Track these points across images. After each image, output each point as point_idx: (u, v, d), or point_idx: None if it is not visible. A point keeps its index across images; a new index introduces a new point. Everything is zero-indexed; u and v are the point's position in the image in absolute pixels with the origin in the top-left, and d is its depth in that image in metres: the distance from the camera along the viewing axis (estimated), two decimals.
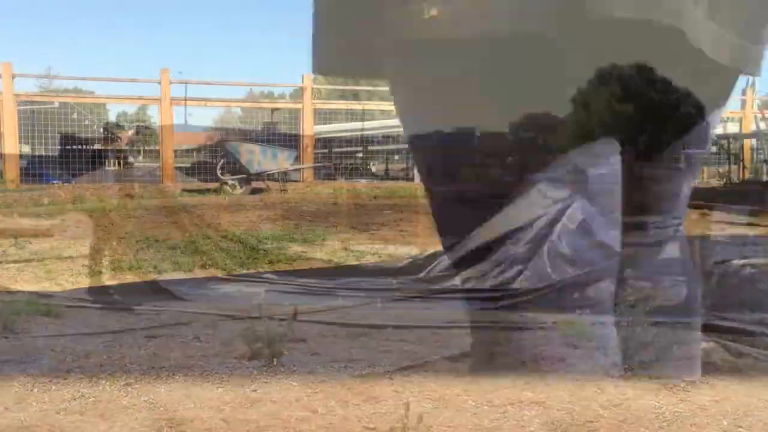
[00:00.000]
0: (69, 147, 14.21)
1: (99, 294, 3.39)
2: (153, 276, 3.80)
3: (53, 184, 12.15)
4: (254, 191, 10.24)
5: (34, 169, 13.44)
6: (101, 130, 17.13)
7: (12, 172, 10.68)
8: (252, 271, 4.05)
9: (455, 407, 1.01)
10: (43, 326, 2.62)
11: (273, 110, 15.34)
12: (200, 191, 10.29)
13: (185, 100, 11.78)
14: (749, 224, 6.24)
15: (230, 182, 10.13)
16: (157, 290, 3.48)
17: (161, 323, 2.66)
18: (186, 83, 12.08)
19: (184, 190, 10.46)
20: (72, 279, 3.74)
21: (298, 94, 12.81)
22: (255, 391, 1.73)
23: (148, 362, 2.09)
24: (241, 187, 10.17)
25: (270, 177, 10.61)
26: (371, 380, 1.75)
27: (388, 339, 2.33)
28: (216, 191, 10.00)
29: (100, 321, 2.77)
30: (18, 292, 3.44)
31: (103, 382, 1.89)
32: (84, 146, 16.43)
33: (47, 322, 2.69)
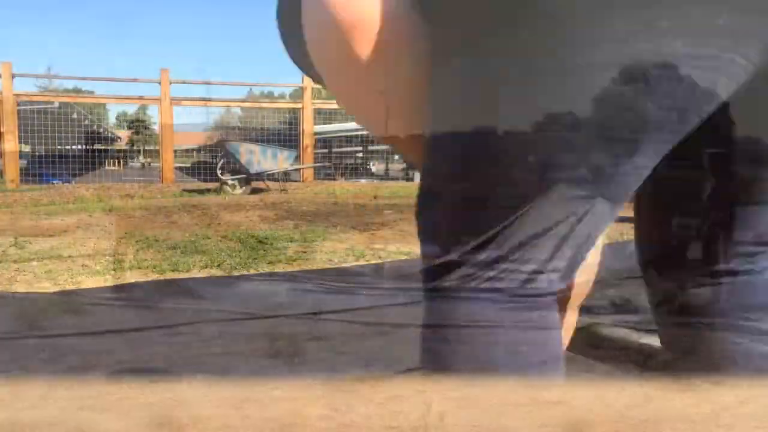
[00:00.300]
0: (71, 146, 14.18)
1: (118, 292, 3.38)
2: (155, 275, 3.79)
3: (53, 183, 12.16)
4: (254, 191, 10.23)
5: (34, 169, 13.46)
6: (107, 129, 17.09)
7: (12, 172, 10.68)
8: (253, 270, 4.04)
9: (478, 406, 1.00)
10: (66, 325, 2.62)
11: (293, 109, 15.39)
12: (200, 191, 10.29)
13: (210, 100, 11.81)
14: None
15: (230, 182, 10.12)
16: (175, 288, 3.47)
17: (182, 321, 2.64)
18: (208, 84, 12.12)
19: (184, 190, 10.46)
20: (71, 279, 3.73)
21: (298, 94, 12.81)
22: (276, 388, 1.72)
23: (169, 360, 2.08)
24: (241, 187, 10.16)
25: (270, 177, 10.60)
26: (393, 379, 1.73)
27: (411, 338, 2.31)
28: (216, 191, 10.00)
29: (121, 318, 2.76)
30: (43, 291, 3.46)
31: (125, 379, 1.89)
32: (85, 146, 16.40)
33: (71, 320, 2.70)
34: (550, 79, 0.76)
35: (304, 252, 4.62)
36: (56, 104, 12.95)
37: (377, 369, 1.93)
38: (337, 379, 1.76)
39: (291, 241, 4.98)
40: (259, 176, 10.38)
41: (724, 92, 0.76)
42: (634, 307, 2.81)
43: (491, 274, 0.89)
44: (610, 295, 3.07)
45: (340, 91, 0.98)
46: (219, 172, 10.41)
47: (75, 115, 14.56)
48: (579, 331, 2.22)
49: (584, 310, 2.82)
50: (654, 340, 2.12)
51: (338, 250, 4.74)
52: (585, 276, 1.23)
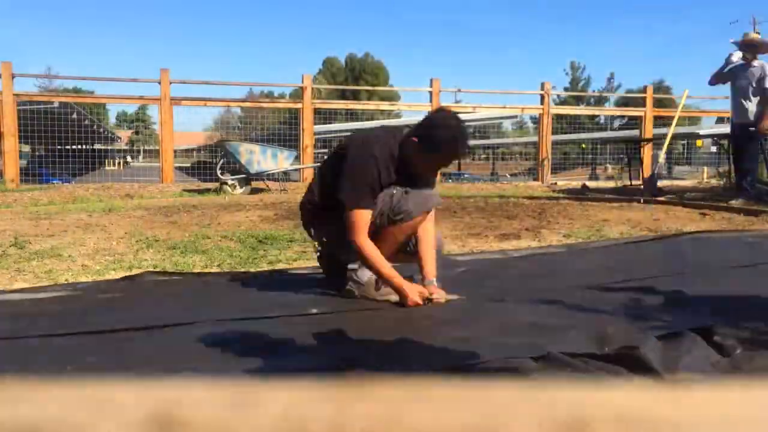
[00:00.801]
0: (71, 146, 14.16)
1: (118, 290, 3.37)
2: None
3: (53, 183, 12.15)
4: (254, 191, 10.22)
5: (34, 169, 13.44)
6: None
7: (12, 171, 10.67)
8: (251, 269, 4.03)
9: (508, 406, 1.00)
10: (106, 317, 2.65)
11: (293, 109, 15.38)
12: (200, 191, 10.27)
13: (210, 100, 11.74)
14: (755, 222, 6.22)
15: (230, 182, 10.11)
16: (196, 285, 3.45)
17: (209, 318, 2.62)
18: (208, 84, 12.09)
19: (184, 190, 10.45)
20: (71, 279, 3.72)
21: (298, 94, 12.79)
22: (288, 388, 1.71)
23: (169, 359, 2.07)
24: (241, 187, 10.15)
25: (270, 177, 10.59)
26: (425, 379, 1.72)
27: (444, 337, 2.29)
28: (216, 191, 9.98)
29: (151, 314, 2.75)
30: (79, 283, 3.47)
31: (122, 379, 1.89)
32: (85, 146, 16.38)
33: (105, 312, 2.72)
34: None
35: (304, 252, 4.61)
36: (56, 104, 12.93)
37: (411, 368, 1.92)
38: (350, 378, 1.75)
39: (291, 241, 4.97)
40: (259, 176, 10.37)
41: None
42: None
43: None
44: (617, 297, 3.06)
45: None
46: (219, 172, 10.40)
47: (75, 115, 14.54)
48: (587, 330, 2.22)
49: (588, 310, 2.81)
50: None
51: None
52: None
